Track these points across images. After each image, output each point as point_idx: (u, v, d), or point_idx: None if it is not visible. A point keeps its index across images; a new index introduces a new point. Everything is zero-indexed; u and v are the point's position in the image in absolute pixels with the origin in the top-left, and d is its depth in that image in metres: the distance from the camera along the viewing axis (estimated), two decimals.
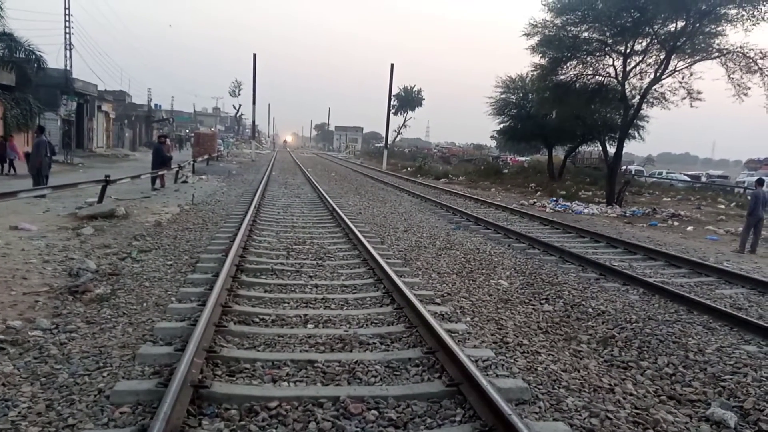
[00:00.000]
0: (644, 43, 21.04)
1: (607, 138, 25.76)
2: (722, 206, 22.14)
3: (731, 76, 19.08)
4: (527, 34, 22.25)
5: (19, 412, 3.37)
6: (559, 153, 36.28)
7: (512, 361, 4.62)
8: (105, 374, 3.94)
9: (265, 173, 25.43)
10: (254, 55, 45.28)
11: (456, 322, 5.56)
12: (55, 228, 9.37)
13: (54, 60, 34.20)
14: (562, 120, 25.90)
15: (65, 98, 32.88)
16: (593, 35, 21.75)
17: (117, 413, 3.41)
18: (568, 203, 20.83)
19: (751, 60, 18.51)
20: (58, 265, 6.86)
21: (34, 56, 26.84)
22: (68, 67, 36.64)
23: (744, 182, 35.44)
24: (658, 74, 20.53)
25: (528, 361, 4.64)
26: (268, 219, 11.80)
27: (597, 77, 22.91)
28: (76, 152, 32.08)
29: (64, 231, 9.17)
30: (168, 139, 21.23)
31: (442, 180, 32.53)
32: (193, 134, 46.27)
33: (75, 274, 6.38)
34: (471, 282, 7.37)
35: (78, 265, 6.69)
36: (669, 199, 24.66)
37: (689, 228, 15.83)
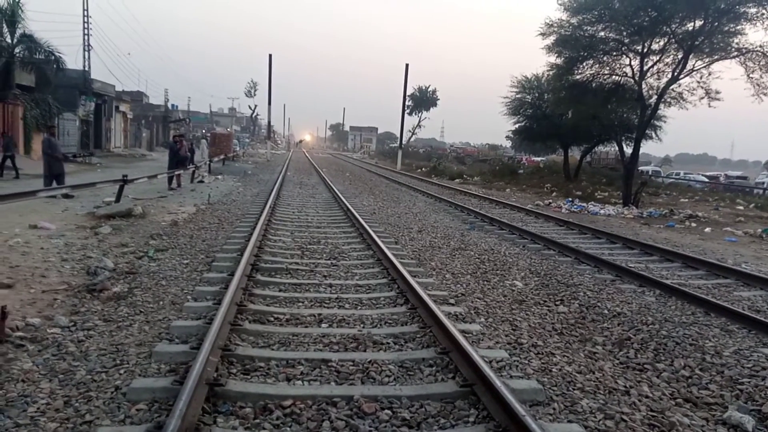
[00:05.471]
0: (662, 43, 20.83)
1: (623, 138, 25.56)
2: (741, 207, 21.84)
3: (750, 75, 18.87)
4: (543, 34, 22.20)
5: (38, 408, 3.42)
6: (575, 153, 36.05)
7: (526, 362, 4.60)
8: (122, 371, 3.98)
9: (281, 173, 25.55)
10: (270, 56, 45.75)
11: (470, 323, 5.55)
12: (74, 227, 9.49)
13: (73, 61, 34.77)
14: (578, 120, 25.71)
15: (84, 98, 33.37)
16: (610, 35, 21.60)
17: (133, 410, 3.45)
18: (584, 204, 20.65)
19: None
20: (77, 264, 6.95)
21: (53, 57, 27.23)
22: (86, 68, 37.11)
23: (763, 183, 34.98)
24: (675, 74, 20.32)
25: (542, 363, 4.61)
26: (283, 219, 11.85)
27: (613, 77, 22.75)
28: (94, 152, 32.48)
29: (83, 230, 9.28)
30: (184, 139, 21.38)
31: (457, 180, 32.40)
32: (209, 134, 46.68)
33: (93, 273, 6.45)
34: (485, 283, 7.34)
35: (96, 264, 6.77)
36: (686, 200, 24.38)
37: (707, 229, 15.62)
